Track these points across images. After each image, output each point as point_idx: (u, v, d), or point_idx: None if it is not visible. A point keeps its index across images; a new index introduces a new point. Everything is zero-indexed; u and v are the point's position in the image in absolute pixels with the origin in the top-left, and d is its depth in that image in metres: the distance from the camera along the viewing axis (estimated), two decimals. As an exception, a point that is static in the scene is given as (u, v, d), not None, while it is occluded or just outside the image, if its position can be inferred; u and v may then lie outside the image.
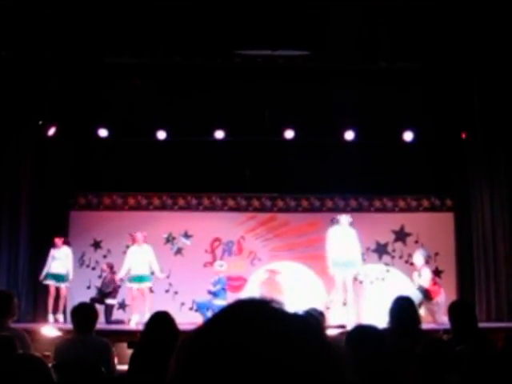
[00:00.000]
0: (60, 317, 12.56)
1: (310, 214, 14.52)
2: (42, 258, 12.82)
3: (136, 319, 12.03)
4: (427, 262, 12.72)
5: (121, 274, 12.66)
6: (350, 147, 13.47)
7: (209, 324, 1.04)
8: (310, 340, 1.00)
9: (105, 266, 13.45)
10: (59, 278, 12.67)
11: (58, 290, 12.73)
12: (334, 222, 12.66)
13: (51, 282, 12.63)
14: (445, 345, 4.26)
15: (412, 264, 13.28)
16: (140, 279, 12.46)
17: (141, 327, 9.64)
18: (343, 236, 12.31)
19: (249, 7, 10.89)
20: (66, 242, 12.97)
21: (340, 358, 1.02)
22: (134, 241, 12.88)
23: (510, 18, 10.72)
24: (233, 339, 0.97)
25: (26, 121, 12.89)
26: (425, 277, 12.25)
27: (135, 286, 12.50)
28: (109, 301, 12.92)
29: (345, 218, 12.49)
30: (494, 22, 10.95)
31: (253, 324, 0.98)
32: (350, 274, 12.37)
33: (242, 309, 1.03)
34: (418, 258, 12.61)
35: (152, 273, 12.68)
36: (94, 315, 5.92)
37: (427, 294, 12.05)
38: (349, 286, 12.29)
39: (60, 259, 12.66)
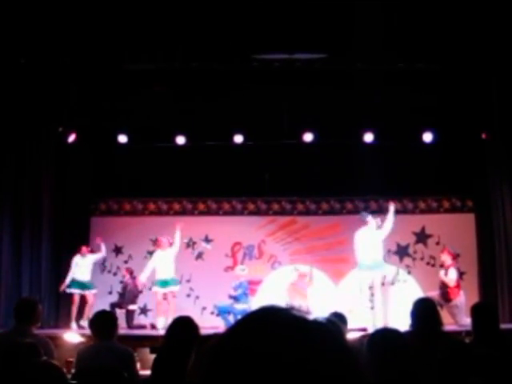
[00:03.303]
0: (85, 323, 12.60)
1: (330, 217, 14.49)
2: (64, 263, 12.91)
3: (162, 323, 11.91)
4: (454, 258, 12.62)
5: (142, 278, 12.68)
6: (370, 149, 13.42)
7: (231, 331, 1.05)
8: (330, 346, 1.01)
9: (125, 272, 13.49)
10: (84, 285, 12.74)
11: (82, 297, 12.80)
12: (363, 217, 12.30)
13: (76, 291, 12.69)
14: (467, 347, 4.24)
15: (433, 265, 13.24)
16: (164, 283, 12.45)
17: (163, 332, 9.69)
18: (370, 238, 12.08)
19: (266, 11, 10.89)
20: (92, 251, 13.08)
21: (360, 364, 1.03)
22: (158, 245, 12.91)
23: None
24: (254, 347, 0.98)
25: (46, 128, 12.96)
26: (451, 276, 12.12)
27: (160, 290, 12.50)
28: (130, 306, 12.97)
29: (374, 221, 12.18)
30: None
31: (274, 332, 1.00)
32: (378, 277, 12.18)
33: (264, 317, 1.05)
34: (446, 256, 12.47)
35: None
36: (113, 322, 5.88)
37: (447, 296, 11.94)
38: (377, 289, 12.16)
39: (84, 266, 12.74)
